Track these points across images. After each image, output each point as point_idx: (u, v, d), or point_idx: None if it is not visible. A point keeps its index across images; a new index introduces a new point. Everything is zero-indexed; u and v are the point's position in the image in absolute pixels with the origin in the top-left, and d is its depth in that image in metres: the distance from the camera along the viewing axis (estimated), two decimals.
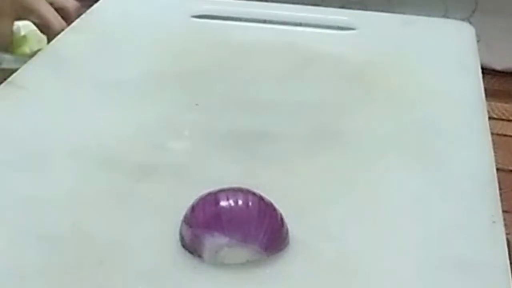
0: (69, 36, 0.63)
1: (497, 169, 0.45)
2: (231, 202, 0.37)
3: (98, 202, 0.41)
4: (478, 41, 0.63)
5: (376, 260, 0.37)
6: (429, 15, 0.68)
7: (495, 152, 0.46)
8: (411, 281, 0.36)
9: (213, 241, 0.36)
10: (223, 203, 0.37)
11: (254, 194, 0.38)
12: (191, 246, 0.37)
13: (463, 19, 0.73)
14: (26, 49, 0.76)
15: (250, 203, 0.37)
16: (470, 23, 0.68)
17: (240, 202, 0.37)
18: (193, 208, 0.38)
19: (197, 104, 0.52)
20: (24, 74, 0.56)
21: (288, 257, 0.37)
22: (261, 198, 0.38)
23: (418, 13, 0.68)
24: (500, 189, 0.43)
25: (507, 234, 0.39)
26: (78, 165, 0.45)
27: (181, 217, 0.38)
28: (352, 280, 0.36)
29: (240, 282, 0.36)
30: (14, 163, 0.45)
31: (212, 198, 0.37)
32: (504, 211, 0.41)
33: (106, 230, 0.39)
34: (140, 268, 0.37)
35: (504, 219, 0.40)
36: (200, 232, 0.37)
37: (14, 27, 0.77)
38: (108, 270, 0.36)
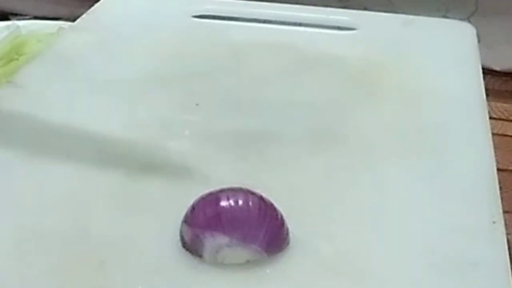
0: (69, 36, 0.63)
1: (497, 169, 0.45)
2: (231, 202, 0.37)
3: (98, 202, 0.41)
4: (478, 42, 0.63)
5: (376, 260, 0.37)
6: (429, 15, 0.68)
7: (495, 152, 0.46)
8: (411, 281, 0.36)
9: (213, 241, 0.36)
10: (223, 203, 0.37)
11: (254, 194, 0.38)
12: (191, 246, 0.37)
13: (463, 20, 0.73)
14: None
15: (250, 203, 0.37)
16: (470, 23, 0.68)
17: (240, 202, 0.37)
18: (193, 208, 0.38)
19: (197, 104, 0.52)
20: (24, 74, 0.56)
21: (288, 257, 0.37)
22: (261, 198, 0.38)
23: (418, 13, 0.68)
24: (500, 189, 0.43)
25: (507, 234, 0.39)
26: (78, 165, 0.45)
27: (181, 217, 0.38)
28: (352, 281, 0.36)
29: (240, 282, 0.36)
30: (14, 163, 0.45)
31: (212, 198, 0.37)
32: (504, 211, 0.41)
33: (106, 230, 0.39)
34: (140, 268, 0.37)
35: (505, 219, 0.40)
36: (200, 232, 0.37)
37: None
38: (108, 270, 0.36)
